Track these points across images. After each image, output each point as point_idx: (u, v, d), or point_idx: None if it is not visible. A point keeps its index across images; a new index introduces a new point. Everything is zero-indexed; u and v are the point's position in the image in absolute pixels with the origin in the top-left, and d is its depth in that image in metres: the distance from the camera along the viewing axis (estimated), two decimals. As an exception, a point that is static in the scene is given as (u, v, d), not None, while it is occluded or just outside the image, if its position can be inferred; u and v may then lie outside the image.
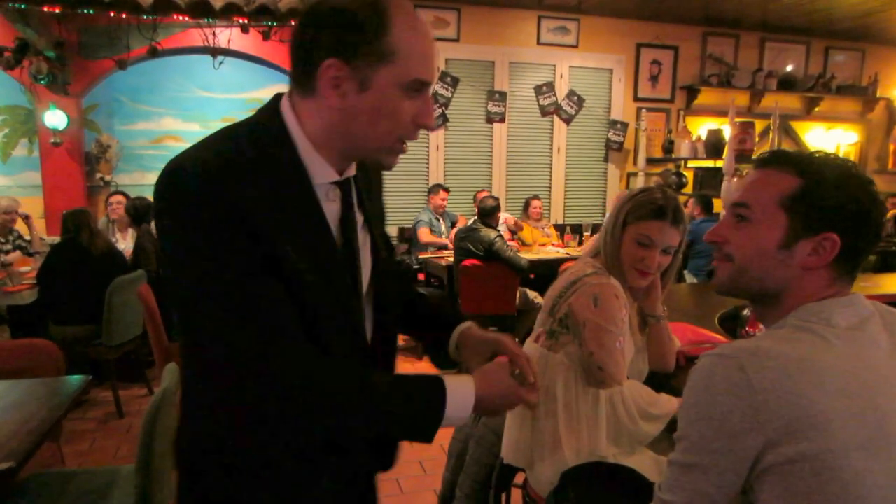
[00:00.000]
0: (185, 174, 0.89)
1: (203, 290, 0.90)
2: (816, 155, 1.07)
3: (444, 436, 3.51)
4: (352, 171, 1.06)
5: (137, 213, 4.41)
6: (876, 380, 0.96)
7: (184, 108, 6.07)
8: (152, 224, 5.18)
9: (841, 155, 7.86)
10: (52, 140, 5.40)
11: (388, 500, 3.01)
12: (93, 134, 5.85)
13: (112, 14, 4.44)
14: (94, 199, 5.65)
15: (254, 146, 0.94)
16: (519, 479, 2.23)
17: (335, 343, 1.01)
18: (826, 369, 0.94)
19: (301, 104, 0.98)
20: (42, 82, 5.20)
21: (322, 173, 0.99)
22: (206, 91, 6.08)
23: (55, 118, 5.37)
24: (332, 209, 1.02)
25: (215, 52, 5.25)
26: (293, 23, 5.16)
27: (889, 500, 0.91)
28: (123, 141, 5.96)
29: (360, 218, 1.09)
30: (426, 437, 0.98)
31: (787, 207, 1.03)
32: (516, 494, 2.63)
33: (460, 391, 0.99)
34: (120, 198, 5.17)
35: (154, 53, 5.09)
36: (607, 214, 1.79)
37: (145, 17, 4.71)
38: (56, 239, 4.94)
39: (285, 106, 0.99)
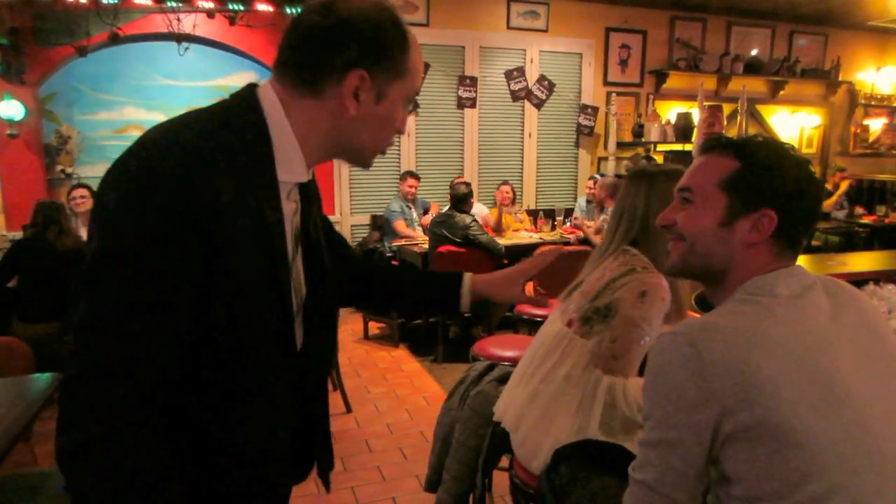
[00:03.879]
0: (149, 162, 0.85)
1: (103, 299, 0.82)
2: (755, 139, 1.14)
3: (424, 421, 3.50)
4: (310, 174, 1.06)
5: None
6: (819, 342, 1.02)
7: (147, 97, 5.90)
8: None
9: (804, 135, 8.04)
10: (9, 132, 5.21)
11: (370, 487, 3.01)
12: (52, 125, 5.65)
13: (70, -1, 4.29)
14: (56, 193, 5.46)
15: (226, 139, 0.90)
16: (505, 462, 2.24)
17: (264, 349, 0.98)
18: (771, 337, 1.00)
19: (296, 101, 0.96)
20: (-5, 71, 5.01)
21: (293, 171, 0.98)
22: (170, 79, 5.92)
23: (11, 109, 5.18)
24: (289, 209, 1.00)
25: (180, 38, 5.11)
26: (264, 6, 5.05)
27: (843, 454, 0.96)
28: (85, 131, 5.76)
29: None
30: None
31: (726, 188, 1.10)
32: (501, 479, 2.64)
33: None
34: (83, 191, 5.00)
35: (115, 40, 4.94)
36: (621, 201, 1.80)
37: (105, 1, 4.56)
38: (17, 234, 4.79)
39: (267, 96, 0.96)
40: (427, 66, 6.13)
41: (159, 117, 5.78)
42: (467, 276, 1.33)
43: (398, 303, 1.36)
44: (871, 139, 8.60)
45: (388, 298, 1.41)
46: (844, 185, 7.31)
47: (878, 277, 3.14)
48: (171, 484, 0.86)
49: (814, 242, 7.11)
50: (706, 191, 1.12)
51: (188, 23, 5.21)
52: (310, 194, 1.09)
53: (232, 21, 5.05)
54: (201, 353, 0.91)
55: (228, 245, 0.88)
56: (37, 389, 2.05)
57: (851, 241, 6.86)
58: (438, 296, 1.37)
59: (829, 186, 7.47)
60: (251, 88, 0.97)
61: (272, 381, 1.02)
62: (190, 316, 0.87)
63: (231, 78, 5.85)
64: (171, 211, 0.83)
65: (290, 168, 0.97)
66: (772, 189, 1.08)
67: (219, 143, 0.89)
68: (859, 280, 3.05)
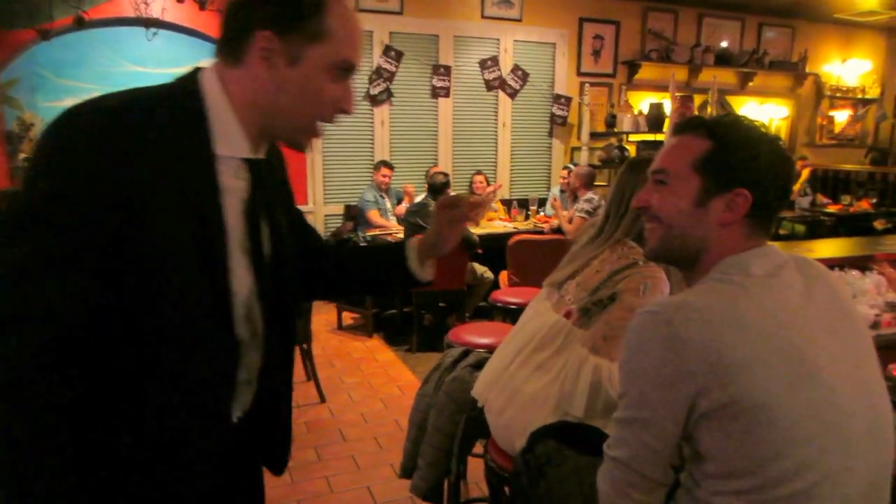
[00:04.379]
0: (78, 119, 0.88)
1: (14, 238, 0.84)
2: (727, 119, 1.15)
3: (398, 410, 3.48)
4: (262, 153, 1.05)
5: None
6: (792, 320, 1.04)
7: (114, 84, 5.69)
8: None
9: (772, 126, 8.18)
10: (-30, 118, 5.07)
11: (344, 476, 3.00)
12: (14, 111, 5.50)
13: (32, -19, 4.17)
14: (19, 182, 5.33)
15: (159, 108, 0.92)
16: (478, 448, 2.25)
17: (197, 329, 0.96)
18: (745, 315, 1.01)
19: (228, 73, 0.98)
20: (-46, 55, 4.85)
21: (234, 145, 0.99)
22: (137, 65, 5.79)
23: (-29, 94, 5.04)
24: (238, 186, 1.00)
25: (148, 23, 5.00)
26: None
27: (812, 430, 0.99)
28: (49, 119, 5.59)
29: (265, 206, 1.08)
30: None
31: (699, 169, 1.11)
32: (476, 465, 2.66)
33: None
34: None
35: (80, 24, 4.81)
36: (621, 191, 1.80)
37: (69, -16, 4.44)
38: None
39: (208, 75, 0.98)
40: (400, 54, 6.10)
41: (127, 104, 5.68)
42: (410, 248, 1.30)
43: (350, 283, 1.36)
44: (836, 130, 8.77)
45: (348, 279, 1.37)
46: (806, 173, 7.46)
47: (843, 263, 3.20)
48: (61, 444, 0.86)
49: (780, 231, 7.23)
50: (680, 172, 1.13)
51: (157, 7, 5.10)
52: (266, 176, 1.08)
53: (202, 6, 4.95)
54: (128, 327, 0.91)
55: (151, 214, 0.88)
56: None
57: (817, 229, 6.99)
58: (387, 263, 1.33)
59: None
60: (195, 70, 1.00)
61: (206, 376, 1.00)
62: (98, 276, 0.86)
63: (200, 64, 5.74)
64: (84, 171, 0.84)
65: (230, 143, 0.98)
66: (745, 168, 1.09)
67: (144, 110, 0.90)
68: (825, 266, 3.11)
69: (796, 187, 7.33)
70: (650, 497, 1.08)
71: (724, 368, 0.98)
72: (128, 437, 0.96)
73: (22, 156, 5.47)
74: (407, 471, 2.16)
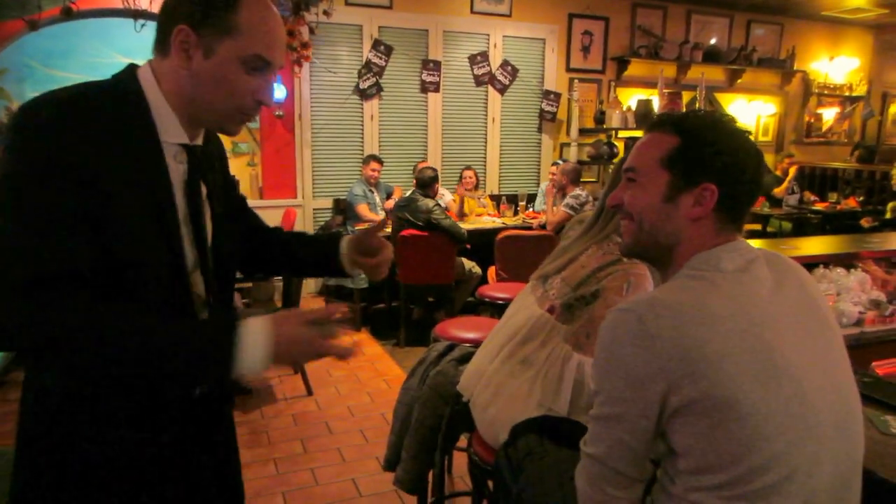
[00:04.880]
0: (37, 110, 0.97)
1: (9, 212, 0.94)
2: (695, 114, 1.18)
3: (385, 404, 3.49)
4: (199, 140, 1.15)
5: None
6: (762, 315, 1.05)
7: (103, 75, 5.58)
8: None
9: (760, 123, 8.22)
10: (-43, 108, 5.04)
11: (330, 468, 3.02)
12: (2, 102, 5.48)
13: (19, -29, 4.13)
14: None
15: (105, 98, 1.03)
16: (462, 442, 2.27)
17: (156, 295, 1.06)
18: (716, 311, 1.03)
19: (160, 65, 1.07)
20: (-58, 45, 4.81)
21: (172, 132, 1.08)
22: (126, 57, 5.62)
23: (-41, 84, 5.01)
24: (178, 170, 1.10)
25: (136, 14, 4.97)
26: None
27: (782, 425, 1.00)
28: (37, 109, 5.61)
29: (203, 189, 1.16)
30: (219, 378, 1.02)
31: (667, 165, 1.13)
32: (461, 460, 2.69)
33: (255, 336, 0.99)
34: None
35: (69, 14, 4.76)
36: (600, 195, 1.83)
37: (57, -25, 4.40)
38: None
39: (144, 69, 1.08)
40: (390, 48, 6.09)
41: (115, 96, 5.64)
42: (345, 238, 1.39)
43: (289, 263, 1.48)
44: (824, 128, 8.84)
45: (283, 259, 1.46)
46: (793, 171, 7.52)
47: (829, 261, 3.23)
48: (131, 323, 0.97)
49: (768, 229, 7.30)
50: (649, 169, 1.15)
51: (144, -2, 5.07)
52: (203, 162, 1.17)
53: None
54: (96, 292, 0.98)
55: (111, 191, 0.98)
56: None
57: (804, 227, 7.05)
58: (321, 255, 1.42)
59: (778, 173, 7.66)
60: (131, 66, 1.09)
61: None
62: (85, 229, 0.96)
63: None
64: (48, 154, 0.94)
65: (169, 130, 1.08)
66: (711, 163, 1.11)
67: (93, 102, 1.01)
68: (810, 263, 3.14)
69: (784, 186, 7.39)
70: (626, 493, 1.10)
71: (695, 364, 1.00)
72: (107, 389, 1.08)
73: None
74: (391, 463, 2.18)
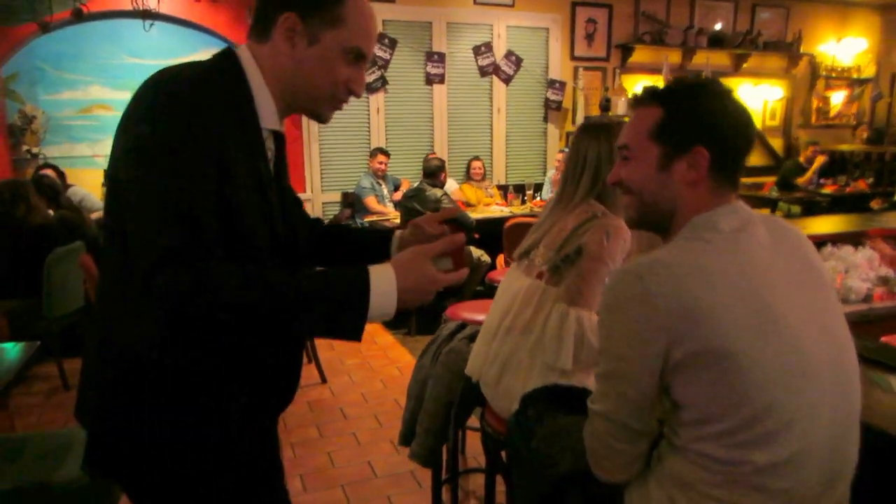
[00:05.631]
0: (173, 85, 1.01)
1: (156, 194, 0.97)
2: (675, 84, 1.23)
3: (398, 390, 3.56)
4: (283, 127, 1.20)
5: (55, 189, 4.34)
6: (758, 272, 1.10)
7: (113, 76, 5.81)
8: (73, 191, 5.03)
9: (767, 108, 8.18)
10: (-29, 111, 5.14)
11: (345, 451, 3.09)
12: (15, 104, 5.56)
13: (30, -26, 4.21)
14: (22, 173, 5.38)
15: (221, 81, 1.07)
16: (475, 422, 2.32)
17: (259, 261, 1.10)
18: (713, 270, 1.08)
19: (257, 49, 1.12)
20: (-44, 50, 4.90)
21: (268, 118, 1.13)
22: (135, 57, 5.84)
23: (-27, 88, 5.10)
24: (269, 155, 1.16)
25: (145, 15, 5.05)
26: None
27: (779, 374, 1.05)
28: (49, 111, 5.68)
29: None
30: (353, 330, 1.01)
31: (655, 136, 1.18)
32: (473, 440, 2.73)
33: (382, 284, 1.01)
34: (50, 172, 4.97)
35: (79, 17, 4.85)
36: (578, 154, 1.86)
37: (66, -23, 4.48)
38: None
39: (244, 53, 1.12)
40: (394, 41, 6.14)
41: (126, 96, 5.64)
42: (397, 233, 1.43)
43: (340, 259, 1.47)
44: (832, 112, 8.78)
45: (334, 254, 1.48)
46: (819, 161, 7.44)
47: (837, 239, 3.24)
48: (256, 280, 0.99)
49: (777, 213, 7.29)
50: (639, 144, 1.20)
51: (152, -1, 5.14)
52: (282, 147, 1.22)
53: (197, -3, 5.00)
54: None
55: (230, 167, 1.02)
56: (9, 358, 2.08)
57: (813, 210, 7.03)
58: (373, 250, 1.44)
59: (801, 160, 7.61)
60: (229, 50, 1.13)
61: None
62: (213, 201, 1.00)
63: (197, 55, 5.73)
64: (191, 129, 0.98)
65: (265, 116, 1.12)
66: (697, 127, 1.15)
67: (214, 84, 1.05)
68: (818, 241, 3.15)
69: (807, 176, 7.34)
70: (632, 447, 1.14)
71: (693, 319, 1.04)
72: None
73: (24, 147, 5.53)
74: (406, 439, 2.24)
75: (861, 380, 1.18)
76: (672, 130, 1.17)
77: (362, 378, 4.04)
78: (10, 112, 5.52)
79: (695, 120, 1.16)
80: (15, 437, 2.20)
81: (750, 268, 1.10)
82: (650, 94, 1.22)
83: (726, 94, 1.18)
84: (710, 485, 1.07)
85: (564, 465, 1.31)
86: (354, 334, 1.01)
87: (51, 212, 4.09)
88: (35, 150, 5.57)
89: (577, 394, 1.61)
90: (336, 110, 1.19)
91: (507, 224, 4.80)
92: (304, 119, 5.94)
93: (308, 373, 4.02)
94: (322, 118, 1.20)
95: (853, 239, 3.25)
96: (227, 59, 1.11)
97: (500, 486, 2.10)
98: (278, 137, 1.20)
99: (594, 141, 1.81)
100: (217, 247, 0.99)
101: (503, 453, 1.93)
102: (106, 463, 1.14)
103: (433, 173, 4.81)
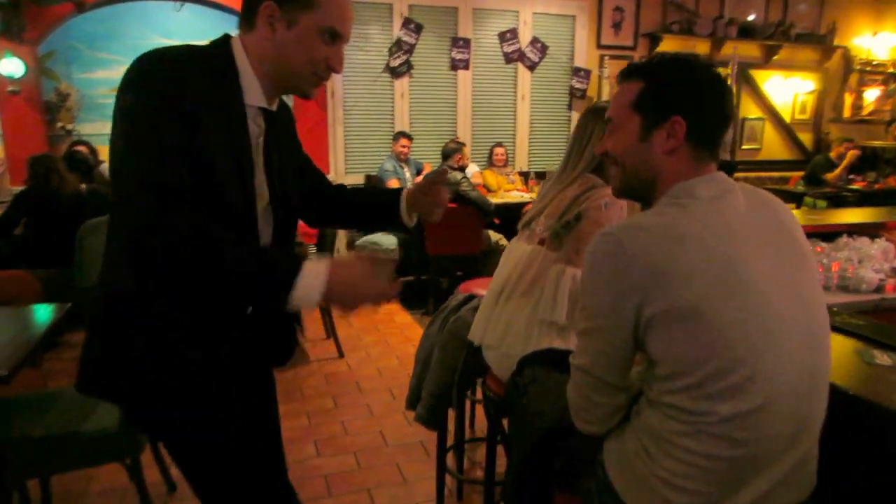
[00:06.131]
0: (156, 61, 1.18)
1: (134, 148, 1.15)
2: (659, 57, 1.28)
3: (412, 367, 3.63)
4: (274, 106, 1.34)
5: (87, 164, 4.54)
6: (730, 234, 1.15)
7: None
8: (105, 167, 5.19)
9: (797, 101, 8.06)
10: (10, 88, 5.31)
11: (359, 421, 3.18)
12: (51, 82, 5.74)
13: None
14: (57, 149, 5.56)
15: (208, 60, 1.23)
16: (477, 395, 2.39)
17: (231, 225, 1.23)
18: (687, 232, 1.14)
19: (246, 38, 1.27)
20: (-4, 29, 5.08)
21: (254, 96, 1.28)
22: (166, 38, 5.98)
23: (12, 66, 5.26)
24: (254, 130, 1.29)
25: (176, -4, 5.17)
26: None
27: (745, 332, 1.10)
28: (83, 89, 5.86)
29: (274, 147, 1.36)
30: (276, 303, 1.14)
31: (636, 108, 1.24)
32: (479, 413, 2.80)
33: (312, 275, 1.12)
34: (83, 148, 5.14)
35: (112, -3, 5.00)
36: (577, 137, 1.96)
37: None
38: (19, 188, 4.91)
39: (235, 40, 1.28)
40: (420, 26, 6.19)
41: (157, 76, 5.87)
42: (403, 198, 1.58)
43: (352, 215, 1.69)
44: (867, 110, 8.58)
45: (347, 214, 1.67)
46: (850, 156, 7.32)
47: (853, 230, 3.24)
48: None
49: (802, 208, 7.21)
50: (622, 115, 1.27)
51: (184, -19, 5.26)
52: (276, 125, 1.36)
53: (227, -21, 5.10)
54: None
55: (205, 134, 1.17)
56: (43, 317, 2.20)
57: (839, 205, 6.94)
58: (382, 204, 1.62)
59: (832, 155, 7.49)
60: (225, 36, 1.29)
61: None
62: (186, 161, 1.15)
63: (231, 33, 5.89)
64: (166, 94, 1.15)
65: (252, 94, 1.27)
66: (673, 97, 1.21)
67: (199, 61, 1.21)
68: (833, 232, 3.16)
69: (837, 172, 7.23)
70: (610, 399, 1.23)
71: (665, 278, 1.10)
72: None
73: (59, 124, 5.72)
74: (412, 403, 2.32)
75: (848, 352, 1.22)
76: (651, 101, 1.23)
77: (379, 354, 4.14)
78: (47, 90, 5.70)
79: (672, 90, 1.22)
80: (47, 392, 2.32)
81: (723, 231, 1.15)
82: (634, 68, 1.28)
83: (704, 68, 1.24)
84: (679, 434, 1.13)
85: (551, 418, 1.38)
86: (276, 305, 1.15)
87: (83, 186, 4.24)
88: (69, 126, 5.75)
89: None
90: (318, 86, 1.32)
91: (526, 209, 4.85)
92: (330, 101, 6.03)
93: (326, 347, 4.14)
94: (307, 95, 1.32)
95: (872, 231, 3.24)
96: (221, 44, 1.26)
97: (502, 459, 2.19)
98: (270, 115, 1.33)
99: (599, 121, 1.87)
100: (187, 192, 1.14)
101: (505, 421, 2.00)
102: (98, 383, 1.30)
103: (448, 155, 4.90)
